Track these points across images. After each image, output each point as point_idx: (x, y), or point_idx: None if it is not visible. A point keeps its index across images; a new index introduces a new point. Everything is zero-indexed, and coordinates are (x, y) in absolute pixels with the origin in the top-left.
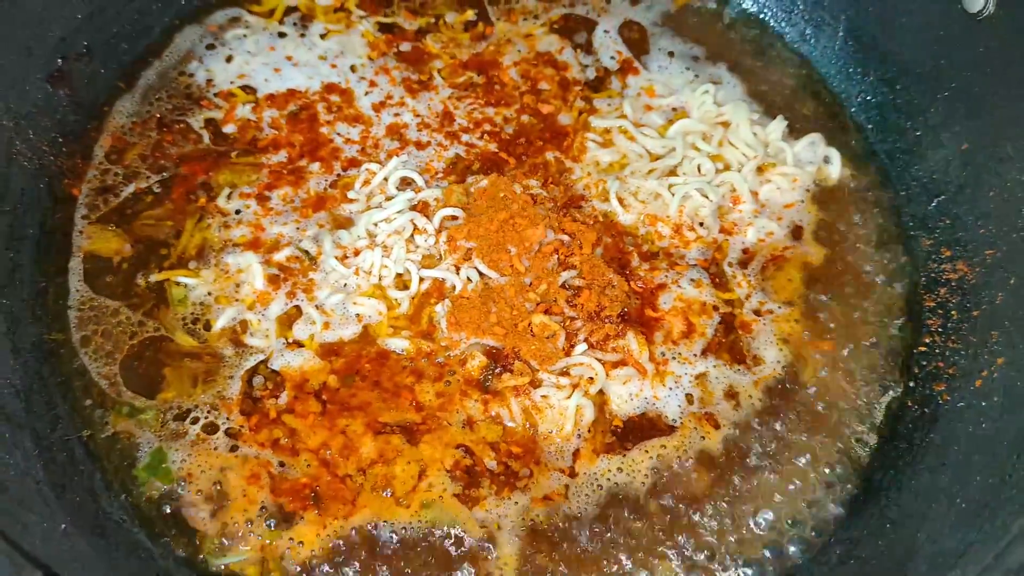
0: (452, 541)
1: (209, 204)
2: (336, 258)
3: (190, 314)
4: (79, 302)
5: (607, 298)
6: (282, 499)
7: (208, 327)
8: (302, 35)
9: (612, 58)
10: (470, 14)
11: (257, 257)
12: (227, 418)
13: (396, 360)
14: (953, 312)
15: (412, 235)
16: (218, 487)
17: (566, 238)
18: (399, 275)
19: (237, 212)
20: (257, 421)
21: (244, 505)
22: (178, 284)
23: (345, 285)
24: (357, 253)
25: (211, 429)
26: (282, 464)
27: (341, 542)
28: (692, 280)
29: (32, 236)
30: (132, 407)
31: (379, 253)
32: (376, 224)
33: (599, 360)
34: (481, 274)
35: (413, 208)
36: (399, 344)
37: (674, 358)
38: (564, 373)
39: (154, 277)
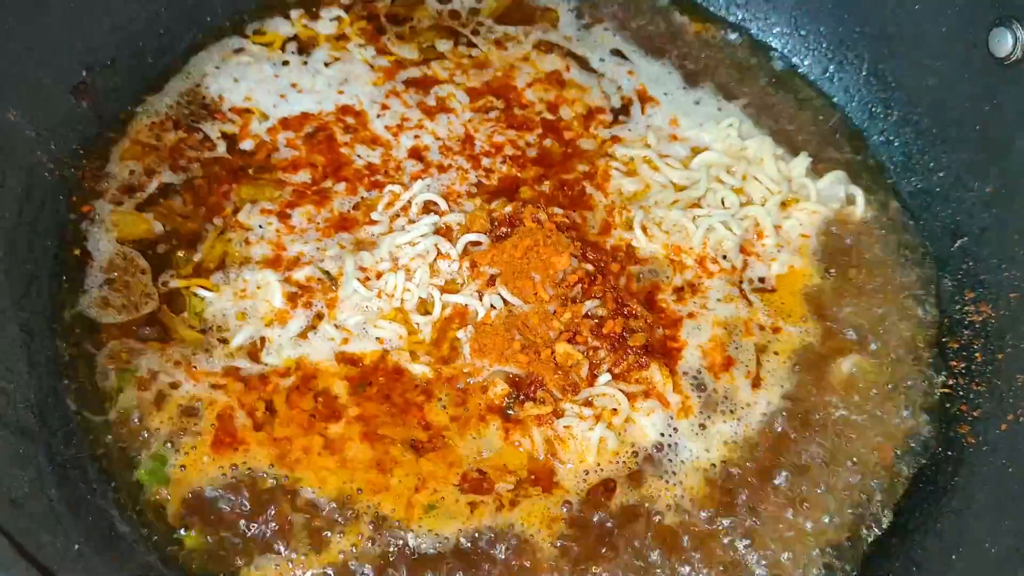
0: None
1: (231, 218)
2: (358, 280)
3: (208, 327)
4: (96, 309)
5: (631, 328)
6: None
7: (225, 342)
8: (304, 63)
9: (619, 89)
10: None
11: (276, 275)
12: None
13: (411, 378)
14: (977, 354)
15: (435, 260)
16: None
17: (590, 267)
18: (421, 300)
19: (260, 227)
20: (253, 383)
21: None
22: (197, 295)
23: (367, 308)
24: (379, 276)
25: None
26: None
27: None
28: (719, 299)
29: (50, 248)
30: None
31: (402, 276)
32: (399, 247)
33: (623, 391)
34: (505, 301)
35: (436, 232)
36: (419, 369)
37: (723, 407)
38: (587, 404)
39: (175, 283)
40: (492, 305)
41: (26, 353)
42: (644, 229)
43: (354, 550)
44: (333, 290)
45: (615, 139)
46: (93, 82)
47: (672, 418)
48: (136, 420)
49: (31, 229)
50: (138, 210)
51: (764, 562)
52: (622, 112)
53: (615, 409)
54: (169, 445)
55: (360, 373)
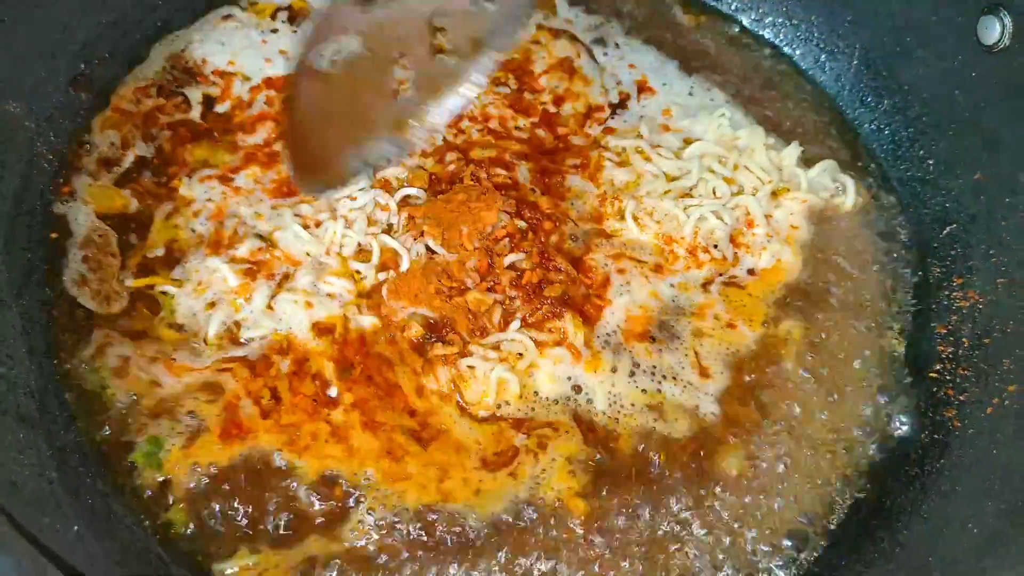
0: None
1: (177, 194)
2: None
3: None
4: (83, 255)
5: (549, 280)
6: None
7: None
8: (294, 31)
9: (618, 83)
10: None
11: (221, 259)
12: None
13: (379, 353)
14: (964, 340)
15: (373, 209)
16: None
17: (523, 224)
18: (361, 248)
19: (208, 200)
20: (257, 369)
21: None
22: (164, 293)
23: (317, 264)
24: (319, 224)
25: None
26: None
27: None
28: (671, 284)
29: (49, 238)
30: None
31: (341, 224)
32: (338, 200)
33: (533, 339)
34: (430, 249)
35: (376, 186)
36: (367, 321)
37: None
38: (495, 348)
39: (130, 283)
40: (418, 253)
41: (26, 341)
42: (636, 219)
43: (388, 538)
44: (275, 253)
45: (608, 130)
46: (92, 74)
47: (582, 371)
48: (133, 410)
49: (31, 219)
50: (116, 186)
51: (754, 547)
52: (620, 106)
53: (521, 354)
54: (172, 431)
55: (339, 351)
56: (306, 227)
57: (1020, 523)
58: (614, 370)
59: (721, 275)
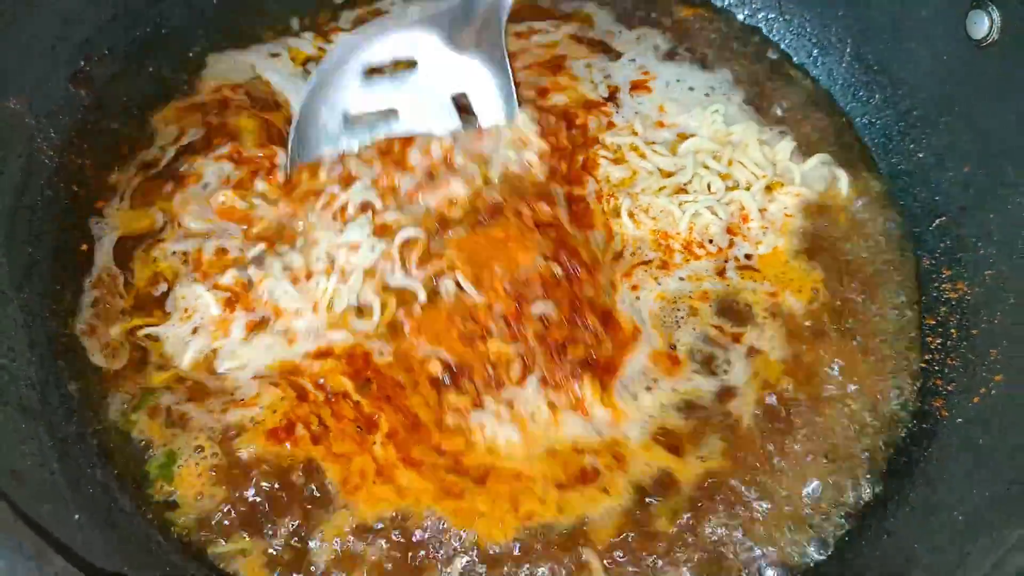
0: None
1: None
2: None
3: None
4: (94, 297)
5: (574, 339)
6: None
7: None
8: None
9: (606, 77)
10: None
11: (205, 285)
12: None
13: (392, 377)
14: (952, 330)
15: (378, 258)
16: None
17: (559, 270)
18: (362, 305)
19: (205, 186)
20: (297, 395)
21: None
22: (153, 338)
23: (314, 324)
24: (309, 276)
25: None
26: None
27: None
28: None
29: (50, 233)
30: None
31: (335, 279)
32: (337, 247)
33: (549, 401)
34: (460, 287)
35: (374, 233)
36: (384, 350)
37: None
38: (509, 404)
39: (115, 331)
40: (446, 291)
41: (27, 333)
42: (631, 215)
43: None
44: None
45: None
46: (91, 70)
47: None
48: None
49: (31, 214)
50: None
51: (744, 538)
52: (609, 99)
53: (533, 414)
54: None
55: (347, 364)
56: (296, 281)
57: (1005, 510)
58: (634, 397)
59: (727, 262)
